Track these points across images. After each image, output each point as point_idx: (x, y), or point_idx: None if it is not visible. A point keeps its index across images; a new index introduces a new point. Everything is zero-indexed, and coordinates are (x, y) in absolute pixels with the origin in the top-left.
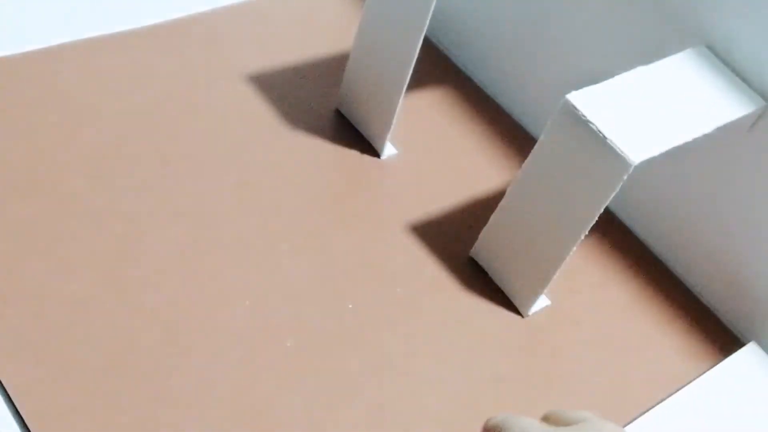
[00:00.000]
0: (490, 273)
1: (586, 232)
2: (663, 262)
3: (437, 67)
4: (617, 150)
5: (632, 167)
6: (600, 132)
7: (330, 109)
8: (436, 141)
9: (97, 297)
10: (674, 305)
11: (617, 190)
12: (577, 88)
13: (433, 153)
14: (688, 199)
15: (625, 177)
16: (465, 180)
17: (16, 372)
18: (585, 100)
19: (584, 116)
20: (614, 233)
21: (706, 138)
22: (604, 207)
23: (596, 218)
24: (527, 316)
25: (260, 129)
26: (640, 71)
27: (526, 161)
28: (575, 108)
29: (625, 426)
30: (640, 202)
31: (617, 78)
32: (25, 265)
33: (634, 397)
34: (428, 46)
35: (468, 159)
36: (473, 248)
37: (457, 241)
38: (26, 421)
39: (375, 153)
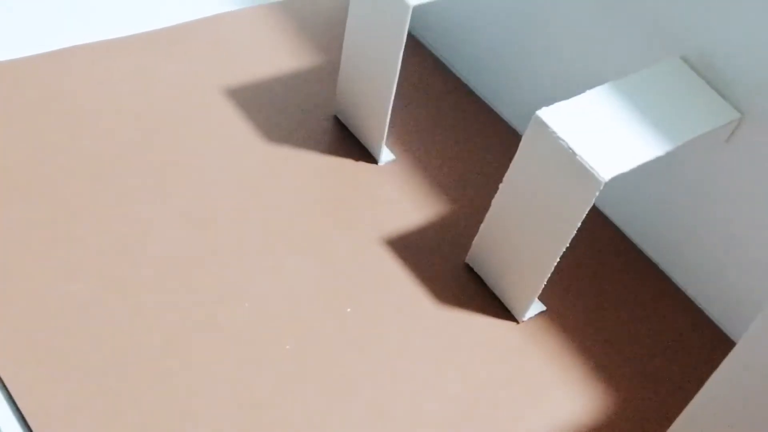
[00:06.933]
0: (484, 279)
1: (568, 244)
2: (657, 266)
3: (435, 76)
4: (587, 167)
5: (603, 184)
6: (570, 149)
7: (329, 115)
8: (433, 147)
9: (99, 297)
10: (668, 308)
11: (591, 204)
12: (576, 93)
13: (430, 159)
14: (678, 205)
15: (597, 193)
16: (463, 185)
17: (18, 371)
18: (555, 115)
19: (554, 132)
20: (608, 238)
21: (686, 149)
22: (581, 220)
23: (575, 230)
24: (522, 321)
25: (260, 134)
26: (613, 85)
27: (506, 174)
28: (545, 124)
29: None
30: (633, 207)
31: (589, 92)
32: (27, 265)
33: (631, 400)
34: (426, 54)
35: (466, 164)
36: (468, 255)
37: (454, 247)
38: (27, 420)
39: (373, 159)
